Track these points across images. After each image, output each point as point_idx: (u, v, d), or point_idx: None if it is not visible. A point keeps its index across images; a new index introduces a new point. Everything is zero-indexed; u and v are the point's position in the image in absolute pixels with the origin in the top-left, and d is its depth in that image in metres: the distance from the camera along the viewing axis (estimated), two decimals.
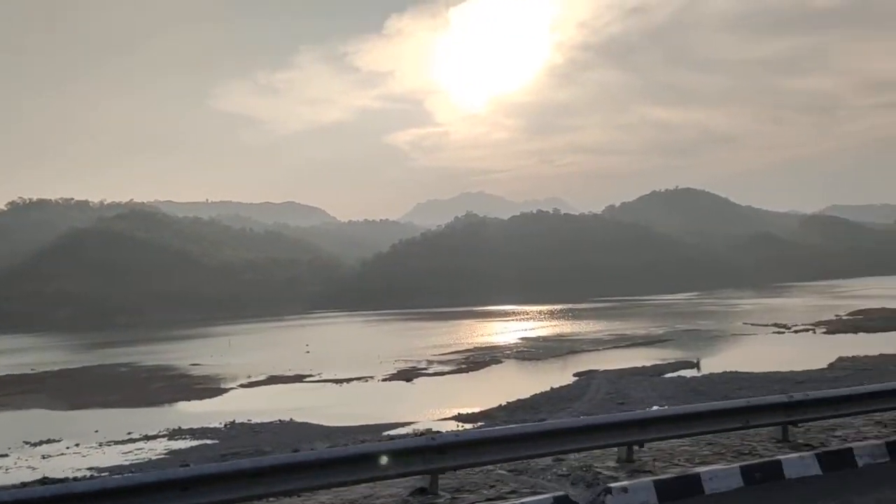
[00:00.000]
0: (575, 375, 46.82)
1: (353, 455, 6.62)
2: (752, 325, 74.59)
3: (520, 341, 70.91)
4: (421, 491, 7.02)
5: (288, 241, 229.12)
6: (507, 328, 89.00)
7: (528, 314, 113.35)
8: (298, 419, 37.33)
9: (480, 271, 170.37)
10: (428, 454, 6.79)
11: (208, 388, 51.55)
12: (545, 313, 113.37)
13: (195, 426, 37.27)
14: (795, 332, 66.26)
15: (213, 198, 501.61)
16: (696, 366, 48.87)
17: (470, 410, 36.42)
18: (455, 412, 36.32)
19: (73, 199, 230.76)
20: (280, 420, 37.40)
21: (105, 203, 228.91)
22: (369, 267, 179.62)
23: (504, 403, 37.26)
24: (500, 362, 56.70)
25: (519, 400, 38.33)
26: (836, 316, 77.82)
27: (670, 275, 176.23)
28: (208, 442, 33.72)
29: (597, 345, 65.02)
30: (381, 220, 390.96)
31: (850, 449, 8.56)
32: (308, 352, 69.68)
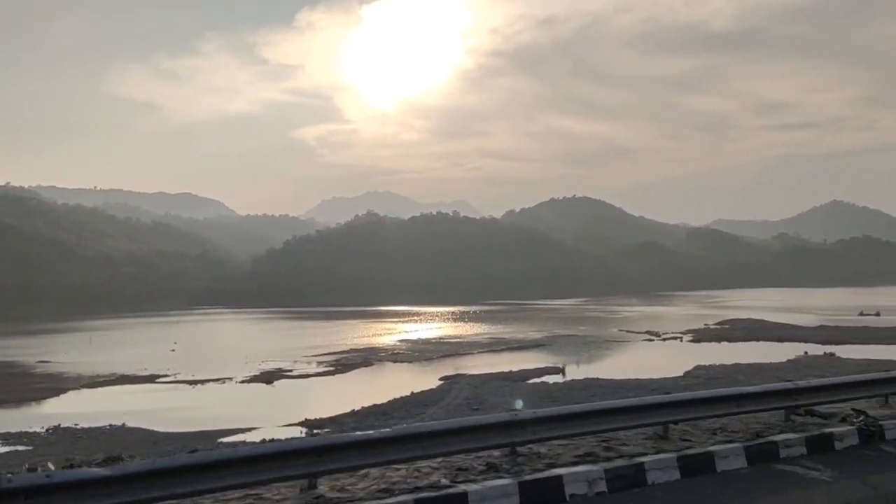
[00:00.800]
0: (441, 379, 45.96)
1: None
2: (628, 332, 76.41)
3: (399, 343, 69.64)
4: None
5: (177, 233, 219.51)
6: (392, 329, 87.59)
7: (418, 316, 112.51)
8: (132, 424, 34.42)
9: (376, 271, 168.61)
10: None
11: (49, 387, 47.22)
12: (435, 315, 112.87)
13: (14, 430, 33.81)
14: (664, 339, 68.20)
15: (102, 185, 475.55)
16: (562, 372, 49.09)
17: (320, 415, 34.67)
18: (304, 417, 34.46)
19: None
20: (111, 425, 34.37)
21: None
22: (261, 263, 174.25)
23: (357, 409, 35.73)
24: (372, 365, 55.13)
25: (375, 405, 36.89)
26: (705, 325, 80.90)
27: (562, 280, 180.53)
28: (20, 448, 30.38)
29: (474, 348, 64.59)
30: (279, 215, 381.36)
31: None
32: (174, 350, 65.73)
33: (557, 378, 47.21)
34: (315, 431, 32.43)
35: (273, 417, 34.42)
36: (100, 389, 46.51)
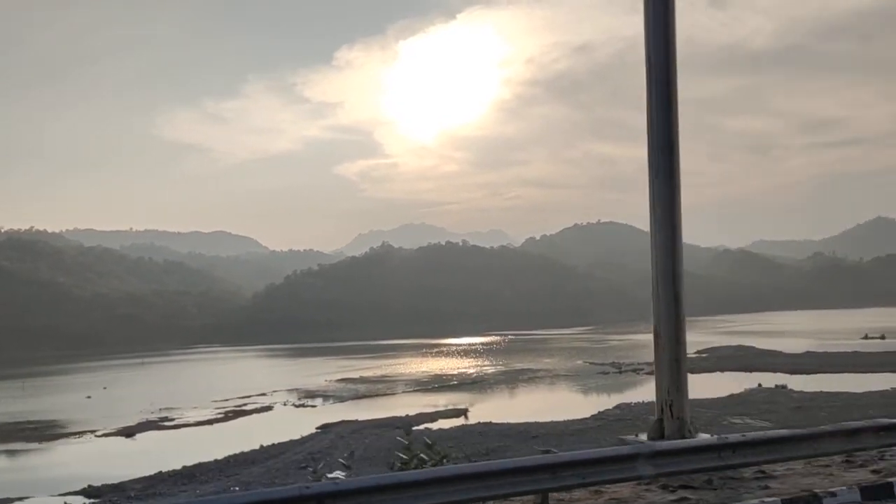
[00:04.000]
0: (318, 428, 40.88)
1: None
2: (592, 363, 70.11)
3: (333, 384, 64.61)
4: None
5: (188, 271, 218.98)
6: (348, 367, 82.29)
7: (397, 350, 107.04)
8: None
9: (379, 304, 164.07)
10: None
11: None
12: (417, 349, 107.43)
13: None
14: (620, 372, 61.84)
15: (141, 226, 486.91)
16: (464, 414, 43.48)
17: (119, 478, 29.87)
18: (101, 483, 29.69)
19: None
20: None
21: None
22: (259, 299, 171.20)
23: (166, 470, 30.77)
24: (271, 409, 50.28)
25: (198, 464, 31.98)
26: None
27: (573, 308, 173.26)
28: None
29: (406, 387, 59.31)
30: (305, 249, 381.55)
31: None
32: (89, 397, 61.85)
33: (458, 421, 41.79)
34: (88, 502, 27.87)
35: (58, 485, 29.70)
36: None
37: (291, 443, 36.63)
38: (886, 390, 41.82)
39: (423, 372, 68.82)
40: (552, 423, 37.92)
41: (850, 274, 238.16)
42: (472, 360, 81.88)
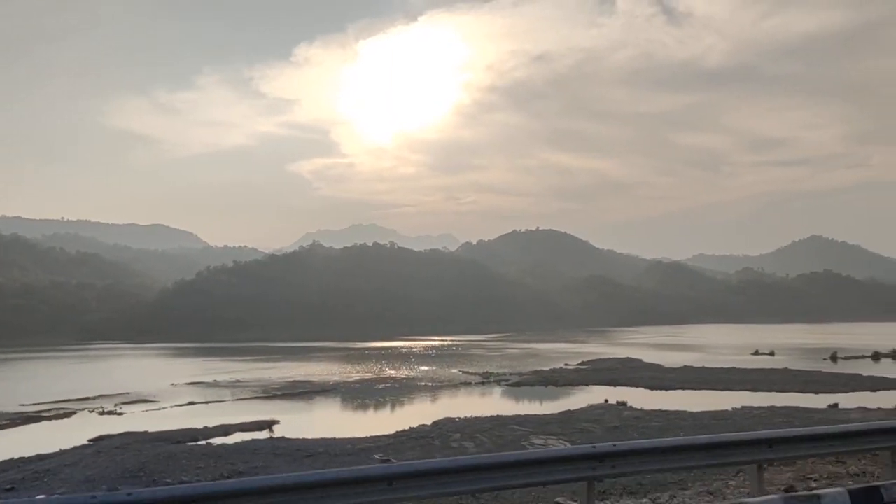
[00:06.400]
0: (91, 440, 35.97)
1: None
2: (464, 372, 66.62)
3: (182, 387, 59.55)
4: None
5: (102, 263, 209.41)
6: (225, 368, 77.38)
7: (290, 352, 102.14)
8: None
9: (289, 304, 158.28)
10: None
11: None
12: (308, 351, 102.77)
13: None
14: (483, 383, 58.33)
15: (75, 216, 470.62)
16: (269, 428, 39.15)
17: None
18: None
19: None
20: None
21: None
22: (167, 295, 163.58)
23: None
24: (72, 415, 45.06)
25: None
26: (565, 365, 71.15)
27: (490, 315, 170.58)
28: None
29: (252, 393, 54.66)
30: (240, 246, 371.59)
31: None
32: None
33: (254, 435, 37.46)
34: None
35: None
36: None
37: (36, 458, 31.68)
38: (725, 410, 39.05)
39: (283, 378, 64.08)
40: (349, 439, 33.89)
41: (773, 290, 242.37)
42: (351, 366, 77.61)
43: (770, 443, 8.67)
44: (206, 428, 38.95)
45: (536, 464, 7.29)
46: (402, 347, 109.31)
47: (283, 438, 35.49)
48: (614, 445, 8.10)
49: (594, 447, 7.93)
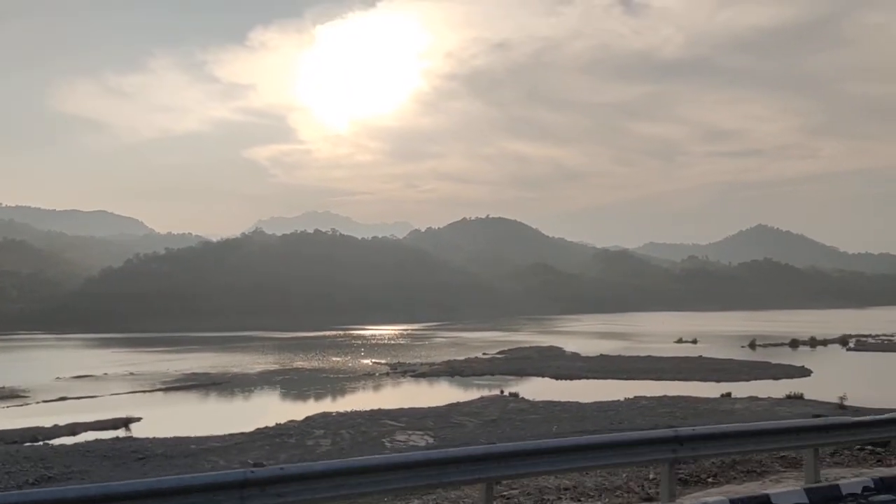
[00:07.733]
0: None
1: None
2: (375, 363, 63.97)
3: (66, 381, 55.55)
4: None
5: (29, 251, 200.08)
6: (128, 360, 72.98)
7: (207, 343, 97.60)
8: None
9: (220, 292, 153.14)
10: None
11: None
12: (229, 341, 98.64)
13: None
14: (388, 374, 55.78)
15: (13, 202, 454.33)
16: (126, 425, 35.91)
17: None
18: None
19: None
20: None
21: None
22: (92, 284, 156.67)
23: None
24: None
25: None
26: (485, 353, 69.05)
27: (432, 302, 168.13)
28: None
29: (136, 386, 51.02)
30: (184, 233, 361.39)
31: None
32: None
33: (104, 434, 34.19)
34: None
35: None
36: None
37: None
38: (615, 400, 37.25)
39: (181, 370, 60.37)
40: (201, 437, 30.98)
41: (716, 278, 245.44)
42: (263, 356, 74.29)
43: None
44: (54, 427, 35.41)
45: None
46: (330, 337, 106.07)
47: (129, 438, 32.29)
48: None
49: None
